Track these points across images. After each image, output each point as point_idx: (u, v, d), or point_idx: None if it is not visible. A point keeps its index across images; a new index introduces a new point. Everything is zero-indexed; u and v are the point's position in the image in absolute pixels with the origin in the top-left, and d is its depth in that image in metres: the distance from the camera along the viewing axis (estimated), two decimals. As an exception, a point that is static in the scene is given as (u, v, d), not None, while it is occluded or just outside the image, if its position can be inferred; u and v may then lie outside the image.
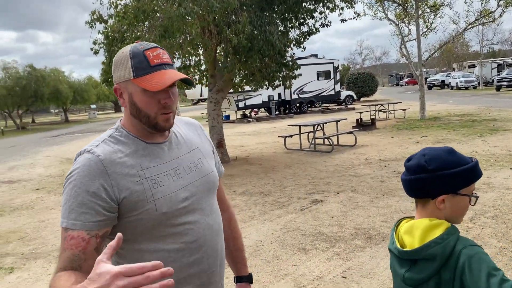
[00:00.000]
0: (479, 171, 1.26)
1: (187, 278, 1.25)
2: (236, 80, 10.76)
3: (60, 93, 39.58)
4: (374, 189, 6.49)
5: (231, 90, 11.98)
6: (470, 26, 17.79)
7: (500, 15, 16.88)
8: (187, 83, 1.29)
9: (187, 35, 8.68)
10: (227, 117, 24.70)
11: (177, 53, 9.67)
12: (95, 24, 8.43)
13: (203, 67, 10.88)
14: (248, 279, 1.59)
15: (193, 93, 26.16)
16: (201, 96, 25.45)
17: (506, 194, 5.62)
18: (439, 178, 1.22)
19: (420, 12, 17.20)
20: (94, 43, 8.90)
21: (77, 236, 1.09)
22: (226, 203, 1.59)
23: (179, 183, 1.25)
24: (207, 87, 11.65)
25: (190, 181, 1.28)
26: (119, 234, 0.90)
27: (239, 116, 24.87)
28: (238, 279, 1.59)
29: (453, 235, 1.19)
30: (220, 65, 9.60)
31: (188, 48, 8.97)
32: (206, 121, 23.65)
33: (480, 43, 43.31)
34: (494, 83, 34.17)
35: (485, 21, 17.70)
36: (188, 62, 10.42)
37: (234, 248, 1.58)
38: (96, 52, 8.97)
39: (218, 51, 9.75)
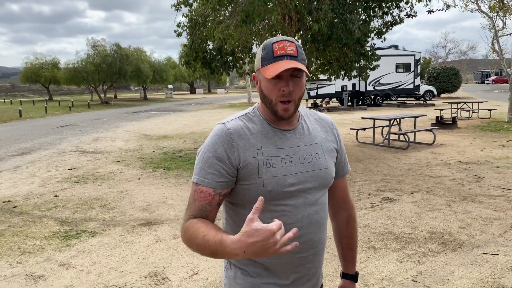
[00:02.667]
0: None
1: (278, 255, 1.31)
2: (311, 69, 10.63)
3: (142, 72, 41.74)
4: (452, 192, 6.12)
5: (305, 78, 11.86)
6: None
7: None
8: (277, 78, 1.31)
9: (267, 21, 8.69)
10: (298, 105, 24.52)
11: (255, 39, 9.75)
12: (180, 7, 8.72)
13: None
14: (354, 277, 1.66)
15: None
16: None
17: None
18: None
19: (519, 4, 15.68)
20: (178, 25, 9.22)
21: (205, 191, 1.31)
22: (349, 203, 1.63)
23: (290, 169, 1.35)
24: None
25: (301, 170, 1.36)
26: (260, 197, 1.08)
27: (309, 105, 24.61)
28: (344, 275, 1.67)
29: None
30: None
31: (267, 35, 8.98)
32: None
33: None
34: None
35: None
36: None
37: (346, 247, 1.65)
38: (179, 35, 9.30)
39: (296, 38, 9.66)
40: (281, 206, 1.34)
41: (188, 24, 9.07)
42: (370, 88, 24.97)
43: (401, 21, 9.63)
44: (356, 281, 1.67)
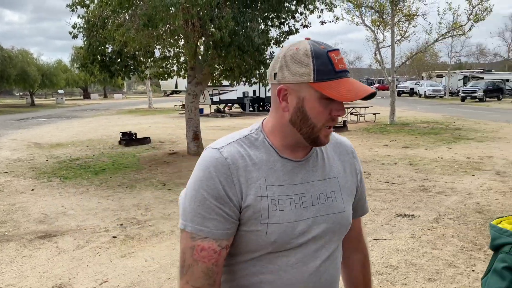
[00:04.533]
0: None
1: None
2: (214, 74, 10.83)
3: (28, 76, 38.26)
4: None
5: (209, 84, 12.04)
6: (442, 37, 18.50)
7: (470, 29, 17.65)
8: (367, 98, 1.02)
9: (169, 26, 8.67)
10: (201, 110, 24.61)
11: (157, 44, 9.64)
12: (76, 7, 8.29)
13: (182, 59, 10.89)
14: None
15: (167, 84, 25.91)
16: (175, 87, 25.26)
17: (468, 198, 5.98)
18: None
19: (395, 20, 17.74)
20: (74, 27, 8.75)
21: (207, 247, 1.00)
22: (363, 243, 1.35)
23: (300, 214, 1.05)
24: (184, 79, 11.67)
25: (314, 214, 1.07)
26: None
27: (212, 111, 24.86)
28: None
29: None
30: (200, 58, 9.64)
31: (170, 39, 8.96)
32: (179, 114, 23.64)
33: (449, 54, 45.01)
34: (460, 93, 35.65)
35: (455, 33, 18.45)
36: (167, 53, 10.40)
37: None
38: (74, 37, 8.82)
39: (199, 44, 9.78)
40: (283, 259, 1.05)
41: (85, 26, 8.66)
42: (269, 94, 26.01)
43: (297, 31, 10.30)
44: None
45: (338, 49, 1.03)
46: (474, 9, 16.83)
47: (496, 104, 30.33)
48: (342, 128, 14.88)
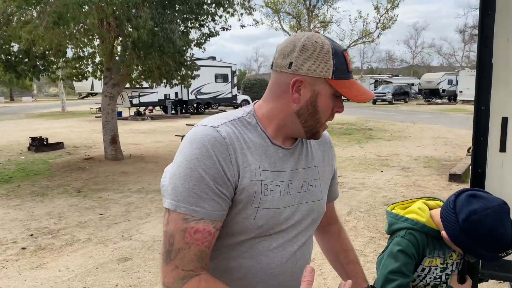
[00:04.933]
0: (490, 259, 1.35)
1: None
2: (133, 76, 10.52)
3: None
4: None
5: (127, 86, 11.65)
6: (354, 43, 19.78)
7: (378, 36, 19.09)
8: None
9: (83, 25, 8.27)
10: (120, 113, 23.70)
11: (69, 43, 9.13)
12: (-26, 1, 7.56)
13: (97, 59, 10.42)
14: None
15: (82, 86, 24.61)
16: (91, 89, 24.07)
17: (377, 192, 6.47)
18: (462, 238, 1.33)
19: (312, 26, 18.61)
20: (-29, 22, 7.97)
21: (202, 229, 0.95)
22: (337, 219, 1.44)
23: (287, 200, 1.07)
24: (100, 81, 11.19)
25: (298, 202, 1.10)
26: (310, 267, 0.87)
27: (132, 114, 24.05)
28: None
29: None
30: (117, 58, 9.31)
31: (83, 39, 8.54)
32: (96, 117, 22.54)
33: (361, 60, 48.13)
34: (371, 96, 38.19)
35: (365, 40, 19.83)
36: (81, 53, 9.89)
37: (346, 261, 1.37)
38: (-27, 33, 8.03)
39: (115, 44, 9.44)
40: (264, 244, 1.06)
41: (-15, 22, 7.93)
42: (192, 96, 25.83)
43: (217, 33, 10.37)
44: None
45: (347, 49, 1.08)
46: (381, 18, 18.25)
47: (403, 106, 33.03)
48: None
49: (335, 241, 1.40)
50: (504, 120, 1.39)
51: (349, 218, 5.22)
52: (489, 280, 3.63)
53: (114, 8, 7.88)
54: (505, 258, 1.46)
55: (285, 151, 1.09)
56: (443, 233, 1.36)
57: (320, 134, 1.11)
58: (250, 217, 1.01)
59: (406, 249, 1.40)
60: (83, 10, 7.10)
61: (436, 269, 1.46)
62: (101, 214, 5.57)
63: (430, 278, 1.47)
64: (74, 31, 8.55)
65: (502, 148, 1.41)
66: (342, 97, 1.05)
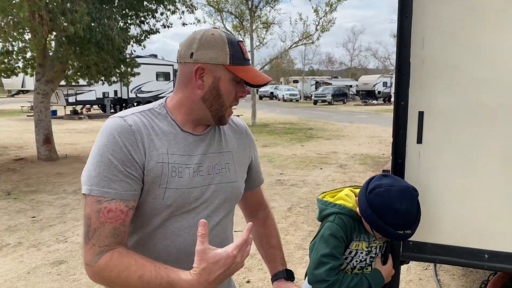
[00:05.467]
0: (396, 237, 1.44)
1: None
2: (69, 72, 10.06)
3: None
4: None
5: (63, 83, 11.11)
6: (294, 45, 20.25)
7: (318, 38, 19.69)
8: (256, 86, 1.19)
9: (12, 17, 7.77)
10: (54, 112, 22.48)
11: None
12: None
13: (28, 54, 9.83)
14: (284, 274, 1.43)
15: (12, 82, 23.01)
16: (22, 86, 22.61)
17: (316, 188, 6.71)
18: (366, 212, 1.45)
19: (254, 27, 18.80)
20: None
21: (114, 208, 1.04)
22: (265, 205, 1.54)
23: (197, 181, 1.16)
24: (32, 77, 10.56)
25: (209, 182, 1.19)
26: (203, 221, 0.96)
27: (68, 112, 22.92)
28: (274, 277, 1.44)
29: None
30: (51, 54, 8.86)
31: (13, 32, 8.02)
32: (28, 116, 21.22)
33: (303, 61, 49.39)
34: (312, 97, 39.36)
35: (306, 42, 20.37)
36: (10, 47, 9.29)
37: (267, 246, 1.48)
38: None
39: (49, 39, 8.97)
40: (176, 224, 1.14)
41: None
42: (132, 95, 25.09)
43: (157, 31, 10.20)
44: (291, 279, 1.43)
45: (242, 41, 1.20)
46: (320, 20, 18.83)
47: (342, 107, 34.35)
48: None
49: (260, 226, 1.50)
50: (421, 114, 1.53)
51: (290, 214, 5.37)
52: (412, 263, 3.90)
53: (47, 1, 7.51)
54: (422, 240, 1.60)
55: (195, 137, 1.19)
56: (358, 210, 1.49)
57: (227, 119, 1.22)
58: (159, 197, 1.10)
59: (335, 233, 1.50)
60: (13, 1, 6.69)
61: (362, 252, 1.57)
62: (34, 217, 5.29)
63: (356, 261, 1.58)
64: (3, 23, 8.02)
65: (419, 140, 1.55)
66: (248, 86, 1.20)
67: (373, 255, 1.60)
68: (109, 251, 1.02)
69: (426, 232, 1.58)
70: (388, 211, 1.39)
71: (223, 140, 1.27)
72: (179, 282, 0.97)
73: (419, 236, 1.58)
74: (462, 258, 1.55)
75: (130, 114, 1.13)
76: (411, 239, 1.59)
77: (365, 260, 1.58)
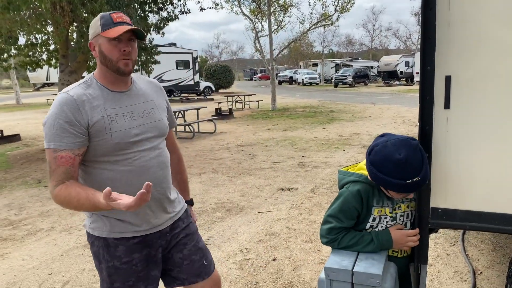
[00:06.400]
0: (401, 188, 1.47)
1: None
2: (91, 63, 10.21)
3: None
4: (232, 169, 6.99)
5: (85, 74, 11.30)
6: (314, 26, 19.94)
7: (337, 19, 19.33)
8: (139, 36, 1.60)
9: (34, 10, 7.92)
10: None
11: (21, 29, 8.73)
12: None
13: (52, 47, 10.02)
14: (189, 202, 2.07)
15: (37, 76, 23.59)
16: (47, 79, 23.12)
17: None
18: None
19: (272, 10, 18.59)
20: None
21: (65, 155, 1.51)
22: (177, 147, 2.06)
23: (133, 123, 1.64)
24: (56, 69, 10.76)
25: (142, 123, 1.67)
26: (107, 189, 1.28)
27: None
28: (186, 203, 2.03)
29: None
30: (73, 45, 9.00)
31: (36, 25, 8.18)
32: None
33: (322, 44, 48.64)
34: (333, 80, 38.86)
35: (325, 23, 20.03)
36: (34, 40, 9.48)
37: (181, 180, 2.08)
38: None
39: (71, 30, 9.10)
40: (130, 154, 1.62)
41: None
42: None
43: (176, 17, 10.21)
44: (192, 205, 2.11)
45: (120, 12, 1.60)
46: (340, 1, 18.44)
47: (363, 88, 33.81)
48: (228, 115, 15.22)
49: (176, 165, 2.04)
50: (448, 79, 1.50)
51: (313, 195, 5.37)
52: (439, 239, 3.84)
53: (68, -8, 7.61)
54: (452, 207, 1.58)
55: (122, 94, 1.65)
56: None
57: (124, 68, 1.58)
58: (108, 139, 1.55)
59: (347, 198, 1.55)
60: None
61: (386, 218, 1.57)
62: (64, 203, 5.45)
63: (382, 227, 1.58)
64: (26, 16, 8.18)
65: (447, 105, 1.52)
66: (132, 42, 1.59)
67: (400, 223, 1.60)
68: (61, 184, 1.51)
69: (455, 199, 1.56)
70: (389, 164, 1.41)
71: (144, 93, 1.73)
72: (99, 202, 1.39)
73: (448, 203, 1.57)
74: (494, 224, 1.52)
75: (72, 88, 1.57)
76: (439, 206, 1.58)
77: (391, 226, 1.58)
